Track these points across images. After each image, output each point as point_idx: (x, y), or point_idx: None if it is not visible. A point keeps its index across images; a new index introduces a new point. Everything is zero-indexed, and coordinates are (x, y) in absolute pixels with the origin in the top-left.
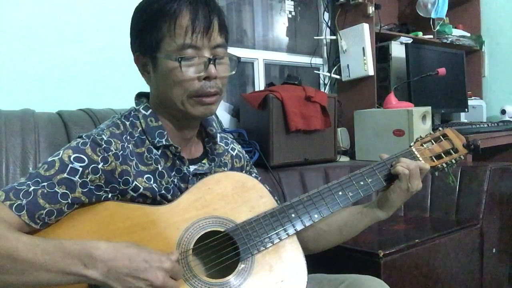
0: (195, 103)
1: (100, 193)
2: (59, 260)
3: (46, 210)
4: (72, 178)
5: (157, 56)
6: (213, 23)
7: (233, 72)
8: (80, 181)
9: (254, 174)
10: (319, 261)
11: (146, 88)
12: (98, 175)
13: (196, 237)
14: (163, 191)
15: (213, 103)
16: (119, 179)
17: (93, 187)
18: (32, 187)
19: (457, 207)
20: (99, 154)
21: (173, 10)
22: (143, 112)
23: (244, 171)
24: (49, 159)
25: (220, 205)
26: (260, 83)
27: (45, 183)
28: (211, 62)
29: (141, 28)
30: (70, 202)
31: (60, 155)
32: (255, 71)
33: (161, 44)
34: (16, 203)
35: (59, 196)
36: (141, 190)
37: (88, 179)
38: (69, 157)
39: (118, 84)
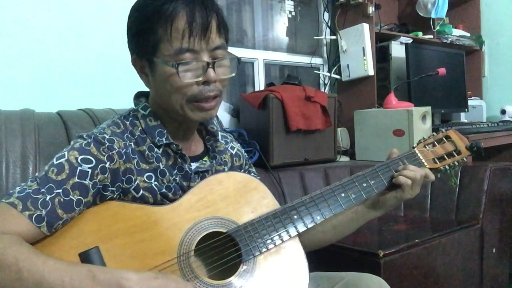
0: (194, 108)
1: (107, 193)
2: None
3: (63, 220)
4: (83, 181)
5: (154, 60)
6: (211, 24)
7: (234, 74)
8: (91, 183)
9: (253, 173)
10: (319, 261)
11: (146, 88)
12: (106, 174)
13: (198, 238)
14: (164, 190)
15: (213, 108)
16: (122, 178)
17: (101, 187)
18: (48, 196)
19: (457, 207)
20: (103, 153)
21: (169, 12)
22: (142, 112)
23: (243, 170)
24: (56, 162)
25: (222, 206)
26: (260, 83)
27: (60, 190)
28: (210, 66)
29: (136, 30)
30: (81, 208)
31: (67, 157)
32: (255, 71)
33: (157, 47)
34: (36, 214)
35: (74, 204)
36: (141, 191)
37: (98, 179)
38: (76, 159)
39: (118, 84)
